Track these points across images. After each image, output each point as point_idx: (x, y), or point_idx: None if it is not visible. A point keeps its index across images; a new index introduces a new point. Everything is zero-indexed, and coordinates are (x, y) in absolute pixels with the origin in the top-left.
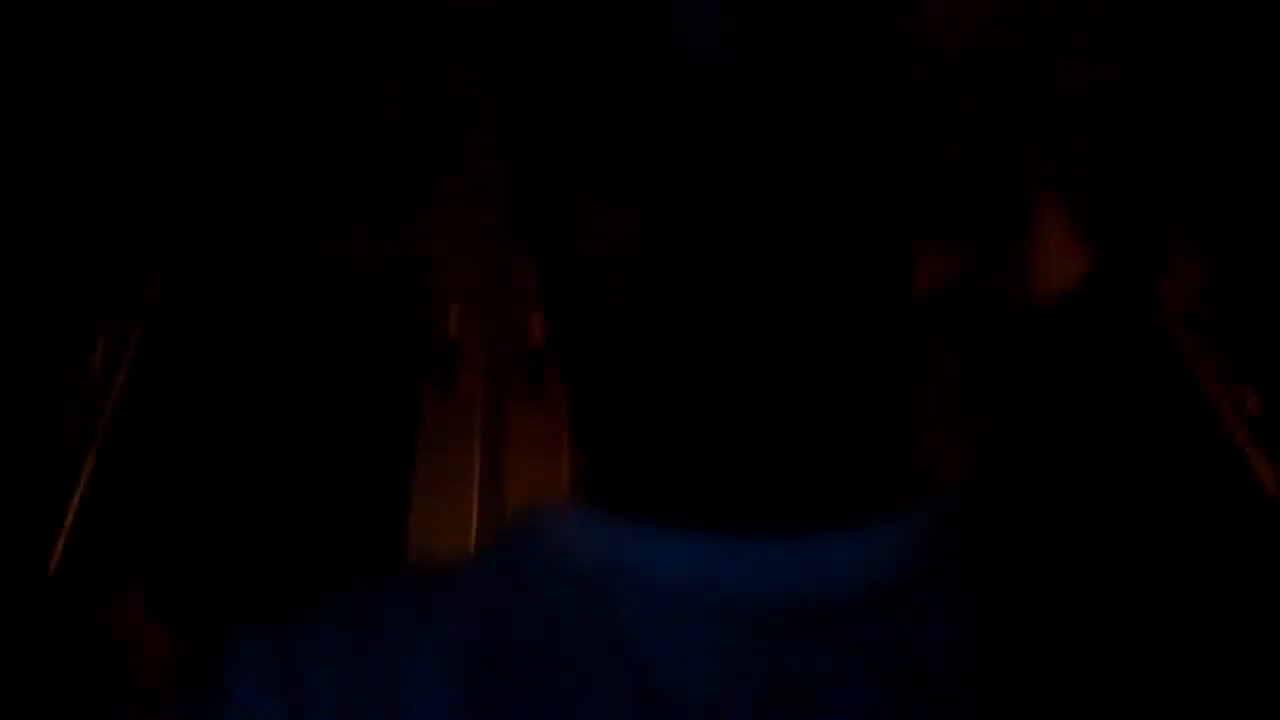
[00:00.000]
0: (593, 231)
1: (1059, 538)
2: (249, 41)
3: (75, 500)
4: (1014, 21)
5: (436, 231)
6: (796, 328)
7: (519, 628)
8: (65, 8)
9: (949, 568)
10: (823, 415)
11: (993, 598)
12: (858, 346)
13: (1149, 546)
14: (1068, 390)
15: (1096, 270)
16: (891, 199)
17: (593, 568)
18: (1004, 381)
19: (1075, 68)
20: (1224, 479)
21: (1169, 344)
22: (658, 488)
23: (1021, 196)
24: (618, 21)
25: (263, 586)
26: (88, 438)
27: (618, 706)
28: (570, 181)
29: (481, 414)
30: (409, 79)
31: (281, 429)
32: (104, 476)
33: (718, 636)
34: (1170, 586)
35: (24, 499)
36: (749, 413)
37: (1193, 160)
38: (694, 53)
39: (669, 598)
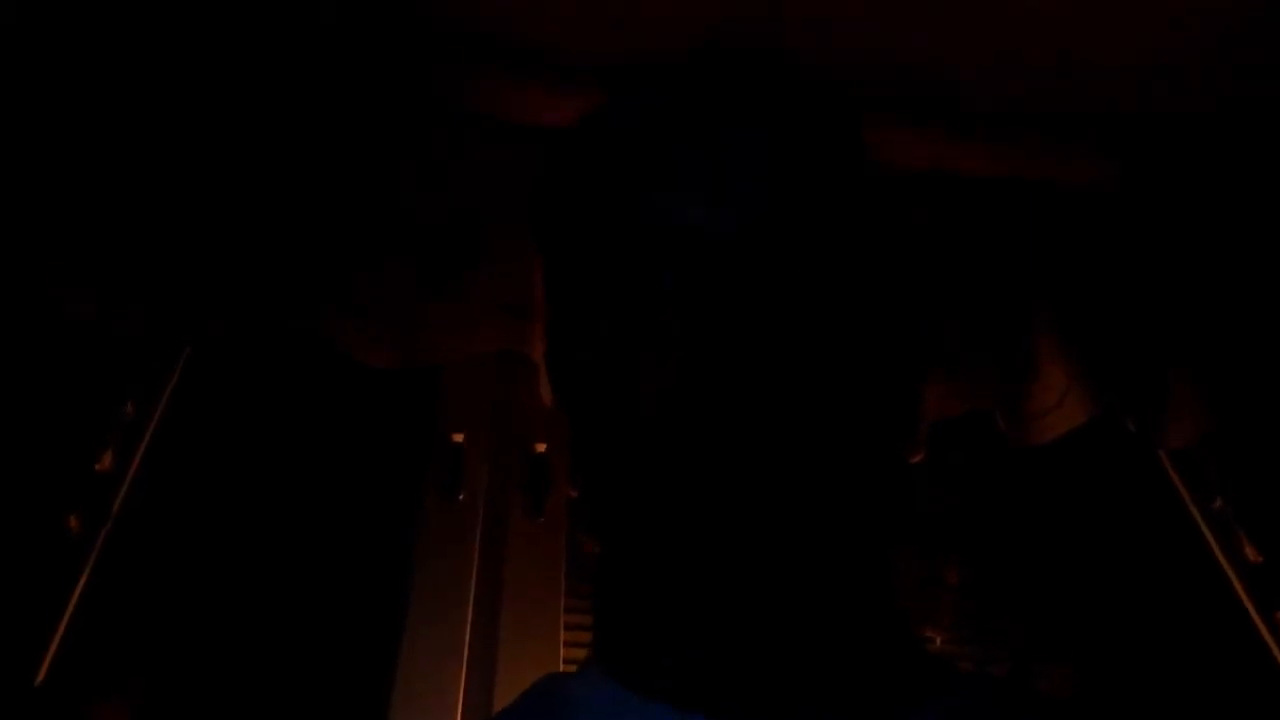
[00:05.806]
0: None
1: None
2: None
3: (71, 604)
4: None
5: (448, 331)
6: (810, 502)
7: None
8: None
9: None
10: (832, 607)
11: None
12: (861, 529)
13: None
14: (1065, 529)
15: (1096, 410)
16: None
17: None
18: (1002, 516)
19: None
20: (1221, 629)
21: (1167, 486)
22: (663, 666)
23: (1024, 335)
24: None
25: (253, 693)
26: (90, 538)
27: None
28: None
29: (482, 526)
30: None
31: (279, 525)
32: (103, 580)
33: None
34: None
35: (20, 600)
36: (757, 606)
37: (1197, 302)
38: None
39: None
